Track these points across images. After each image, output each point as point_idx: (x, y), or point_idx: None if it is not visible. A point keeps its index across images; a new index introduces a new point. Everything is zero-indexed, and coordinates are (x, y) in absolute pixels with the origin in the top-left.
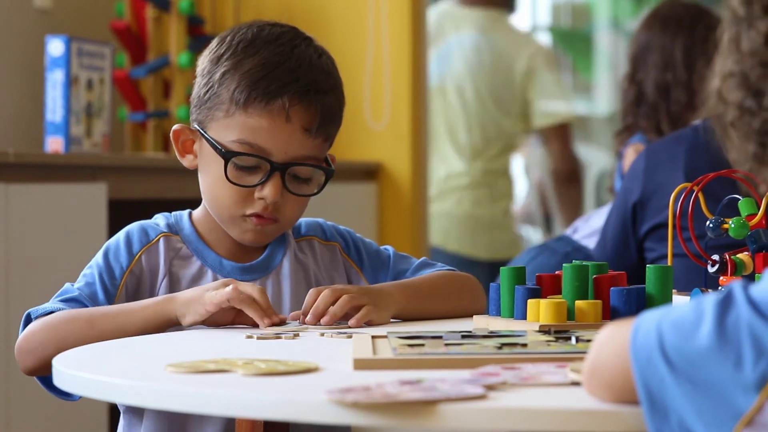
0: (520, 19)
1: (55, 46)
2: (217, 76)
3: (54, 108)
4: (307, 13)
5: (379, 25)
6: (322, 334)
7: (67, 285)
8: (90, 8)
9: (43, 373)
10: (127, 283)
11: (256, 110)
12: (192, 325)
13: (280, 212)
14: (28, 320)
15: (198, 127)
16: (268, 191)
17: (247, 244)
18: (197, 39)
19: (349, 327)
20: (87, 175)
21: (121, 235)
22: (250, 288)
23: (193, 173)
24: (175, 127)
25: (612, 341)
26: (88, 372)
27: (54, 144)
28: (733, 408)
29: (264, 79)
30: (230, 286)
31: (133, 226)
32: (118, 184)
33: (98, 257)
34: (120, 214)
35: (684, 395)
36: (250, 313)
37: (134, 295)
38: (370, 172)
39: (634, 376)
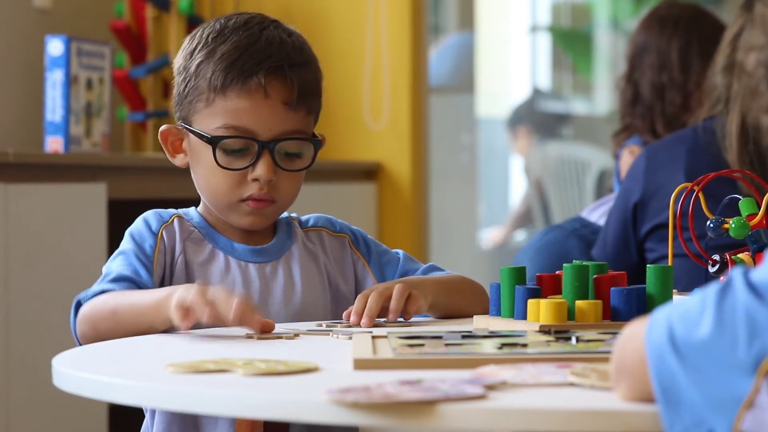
0: (520, 18)
1: (55, 46)
2: (192, 69)
3: (54, 108)
4: (307, 13)
5: (379, 26)
6: (329, 334)
7: (111, 265)
8: (90, 8)
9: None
10: (158, 260)
11: (234, 92)
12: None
13: (276, 191)
14: (78, 305)
15: (183, 124)
16: (260, 170)
17: (247, 228)
18: None
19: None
20: (87, 175)
21: (139, 221)
22: (217, 293)
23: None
24: (161, 128)
25: (633, 339)
26: (88, 372)
27: (54, 144)
28: (736, 392)
29: (238, 61)
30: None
31: (147, 213)
32: (117, 184)
33: (125, 244)
34: (120, 214)
35: (693, 385)
36: (215, 314)
37: (162, 271)
38: (370, 172)
39: (650, 371)
